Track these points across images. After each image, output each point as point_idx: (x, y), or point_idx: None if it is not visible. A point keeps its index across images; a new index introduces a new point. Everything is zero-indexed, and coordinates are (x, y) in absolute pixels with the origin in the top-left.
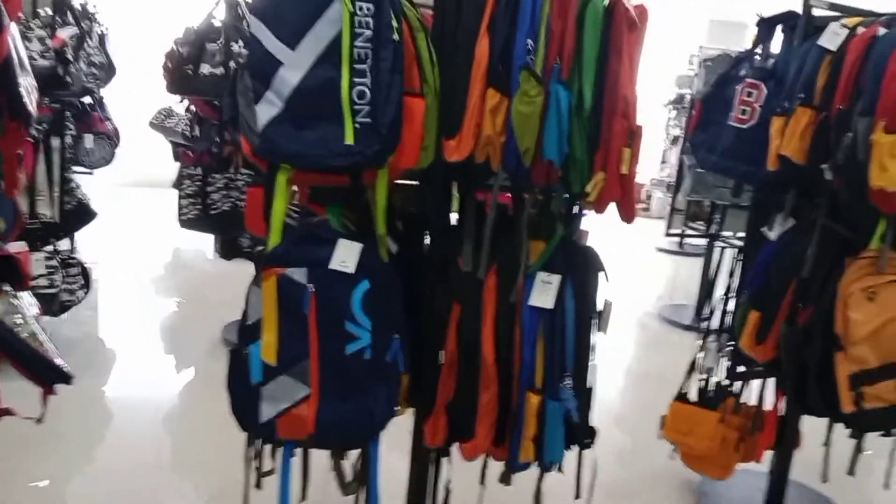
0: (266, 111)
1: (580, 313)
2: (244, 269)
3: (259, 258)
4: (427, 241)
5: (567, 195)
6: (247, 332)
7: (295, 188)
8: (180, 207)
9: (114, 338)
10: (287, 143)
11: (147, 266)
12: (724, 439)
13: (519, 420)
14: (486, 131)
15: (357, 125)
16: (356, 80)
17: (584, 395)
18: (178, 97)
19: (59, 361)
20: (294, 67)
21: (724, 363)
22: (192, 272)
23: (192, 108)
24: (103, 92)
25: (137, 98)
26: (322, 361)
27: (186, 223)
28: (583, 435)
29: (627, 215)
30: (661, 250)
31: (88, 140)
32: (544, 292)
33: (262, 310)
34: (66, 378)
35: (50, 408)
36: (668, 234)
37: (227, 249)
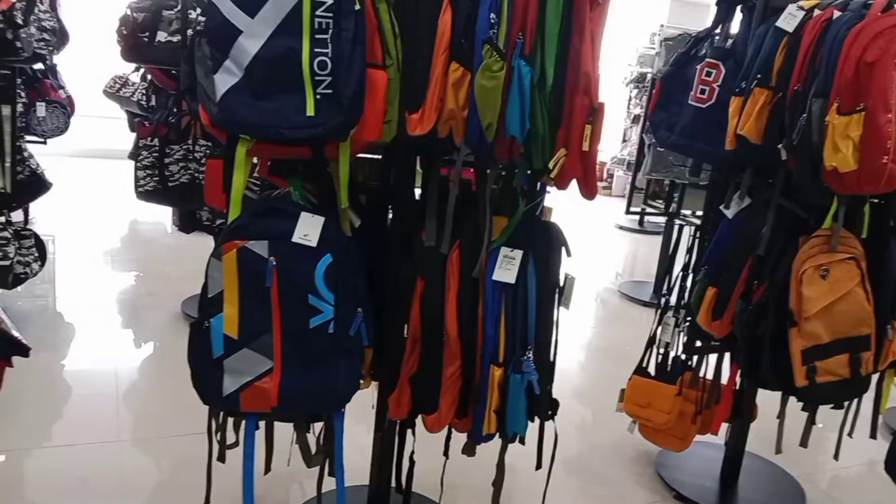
0: (225, 80)
1: (542, 288)
2: (204, 243)
3: (219, 233)
4: (390, 215)
5: (529, 171)
6: (207, 305)
7: (255, 160)
8: (137, 179)
9: (71, 311)
10: (246, 113)
11: (104, 239)
12: (682, 412)
13: (482, 392)
14: (448, 105)
15: (318, 96)
16: (317, 50)
17: (546, 369)
18: (133, 65)
19: (15, 334)
20: (253, 36)
21: (682, 338)
22: (151, 245)
23: (149, 76)
24: (56, 59)
25: (92, 65)
26: (285, 335)
27: (143, 195)
28: (545, 407)
29: (589, 192)
30: (621, 228)
31: (41, 108)
32: (507, 267)
33: (222, 283)
34: (23, 350)
35: (6, 381)
36: (629, 213)
37: (186, 222)
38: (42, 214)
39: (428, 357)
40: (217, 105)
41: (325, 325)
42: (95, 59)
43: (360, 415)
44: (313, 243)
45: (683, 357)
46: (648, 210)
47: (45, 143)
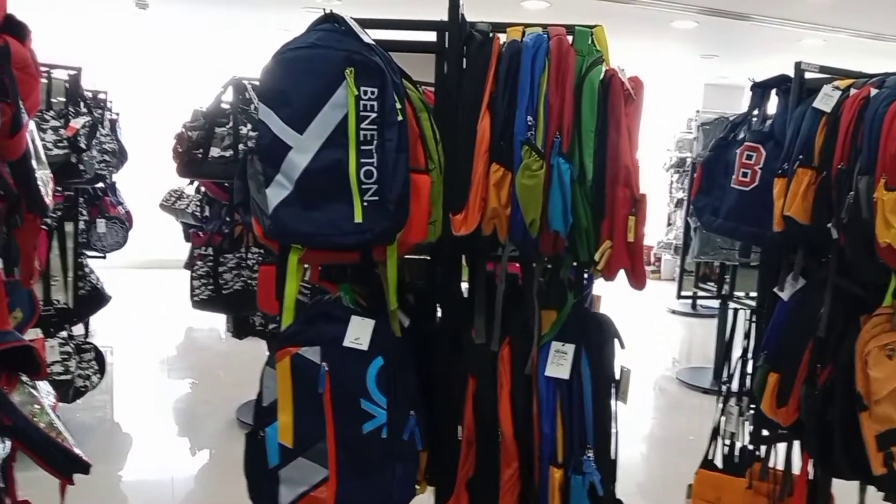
0: (276, 194)
1: (597, 382)
2: (257, 348)
3: (272, 337)
4: (439, 313)
5: (576, 263)
6: (262, 414)
7: (306, 266)
8: (192, 288)
9: (129, 421)
10: (297, 224)
11: (160, 347)
12: None
13: (543, 495)
14: (491, 204)
15: (365, 203)
16: (363, 160)
17: (607, 467)
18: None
19: (76, 451)
20: (302, 150)
21: (748, 427)
22: (206, 352)
23: (202, 189)
24: (115, 176)
25: (149, 181)
26: (339, 442)
27: (199, 304)
28: None
29: (638, 282)
30: (673, 312)
31: (101, 225)
32: (559, 362)
33: (276, 391)
34: (83, 468)
35: (68, 496)
36: (680, 297)
37: (240, 328)
38: (101, 325)
39: (484, 459)
40: (270, 217)
41: (378, 431)
42: (152, 175)
43: None
44: (364, 346)
45: (751, 447)
46: (700, 293)
47: (104, 257)
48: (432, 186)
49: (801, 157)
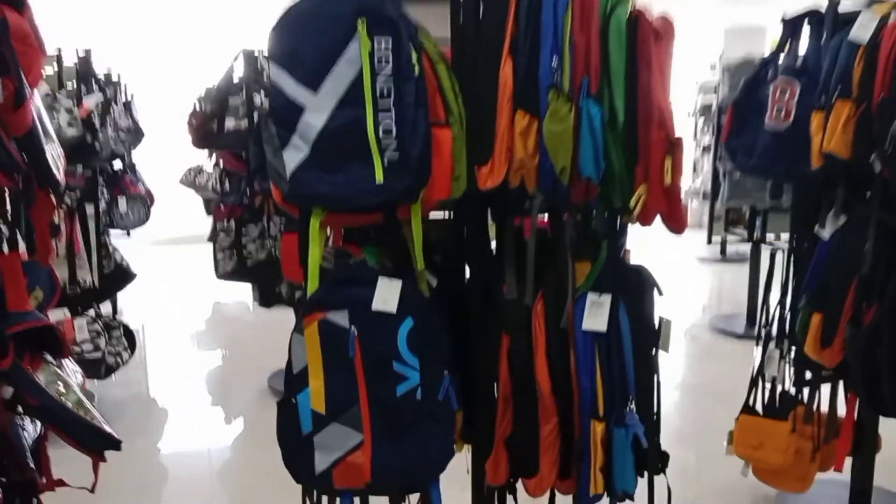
0: (293, 156)
1: (637, 334)
2: (285, 317)
3: (299, 304)
4: (467, 272)
5: (608, 211)
6: (293, 381)
7: (329, 231)
8: (216, 261)
9: (163, 396)
10: (317, 187)
11: (190, 322)
12: (799, 450)
13: (585, 451)
14: (518, 155)
15: (386, 162)
16: (381, 116)
17: (651, 418)
18: (205, 152)
19: (106, 429)
20: (317, 110)
21: (790, 370)
22: (234, 324)
23: (220, 163)
24: (134, 155)
25: (167, 158)
26: (372, 405)
27: (224, 275)
28: (654, 461)
29: (677, 226)
30: (702, 260)
31: (122, 203)
32: (596, 314)
33: (306, 357)
34: (115, 444)
35: (105, 471)
36: (710, 243)
37: (267, 298)
38: (129, 304)
39: (522, 417)
40: (288, 181)
41: (412, 392)
42: (170, 153)
43: (457, 479)
44: (393, 309)
45: (793, 391)
46: (731, 238)
47: (128, 234)
48: (454, 140)
49: (839, 88)
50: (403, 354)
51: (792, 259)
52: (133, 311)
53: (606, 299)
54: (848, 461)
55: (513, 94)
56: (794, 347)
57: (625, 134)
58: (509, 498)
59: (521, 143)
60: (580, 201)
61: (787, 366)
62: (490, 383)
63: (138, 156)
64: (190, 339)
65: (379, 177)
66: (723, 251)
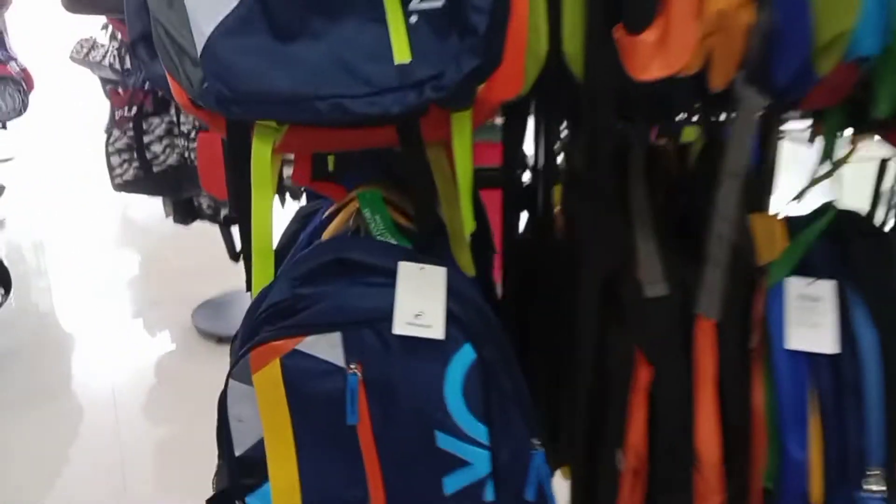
0: (213, 9)
1: (891, 355)
2: (212, 230)
3: (227, 225)
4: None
5: (854, 126)
6: (238, 471)
7: (288, 159)
8: (111, 167)
9: (68, 321)
10: (265, 74)
11: (96, 233)
12: None
13: None
14: (716, 5)
15: (414, 21)
16: None
17: None
18: (99, 20)
19: None
20: None
21: None
22: (149, 238)
23: (118, 35)
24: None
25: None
26: None
27: (123, 186)
28: None
29: None
30: None
31: None
32: (810, 321)
33: (259, 426)
34: None
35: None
36: None
37: (183, 213)
38: (18, 214)
39: (661, 498)
40: (201, 62)
41: (475, 490)
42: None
43: None
44: (438, 332)
45: None
46: None
47: (4, 127)
48: None
49: None
50: (456, 417)
51: None
52: (23, 223)
53: (828, 289)
54: None
55: None
56: None
57: None
58: None
59: None
60: (820, 105)
61: None
62: (611, 448)
63: (9, 29)
64: (99, 255)
65: (401, 51)
66: None
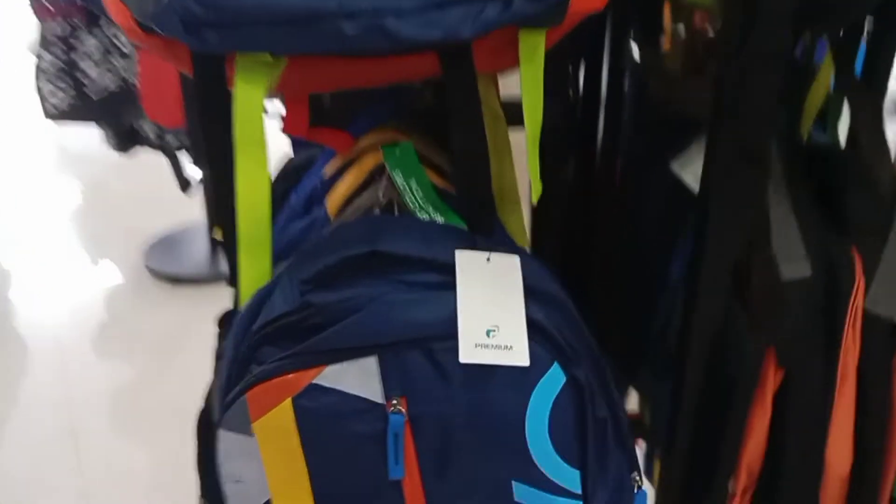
0: None
1: None
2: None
3: (174, 155)
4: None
5: None
6: None
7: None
8: (42, 94)
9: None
10: None
11: (33, 163)
12: None
13: None
14: None
15: None
16: None
17: None
18: None
19: None
20: None
21: None
22: (93, 166)
23: None
24: None
25: None
26: None
27: (56, 115)
28: None
29: None
30: None
31: None
32: None
33: (265, 483)
34: None
35: None
36: None
37: (122, 139)
38: None
39: None
40: None
41: None
42: None
43: None
44: (521, 355)
45: None
46: None
47: None
48: None
49: None
50: (540, 462)
51: None
52: None
53: None
54: None
55: None
56: None
57: None
58: None
59: None
60: None
61: None
62: (727, 469)
63: None
64: (31, 189)
65: None
66: None
